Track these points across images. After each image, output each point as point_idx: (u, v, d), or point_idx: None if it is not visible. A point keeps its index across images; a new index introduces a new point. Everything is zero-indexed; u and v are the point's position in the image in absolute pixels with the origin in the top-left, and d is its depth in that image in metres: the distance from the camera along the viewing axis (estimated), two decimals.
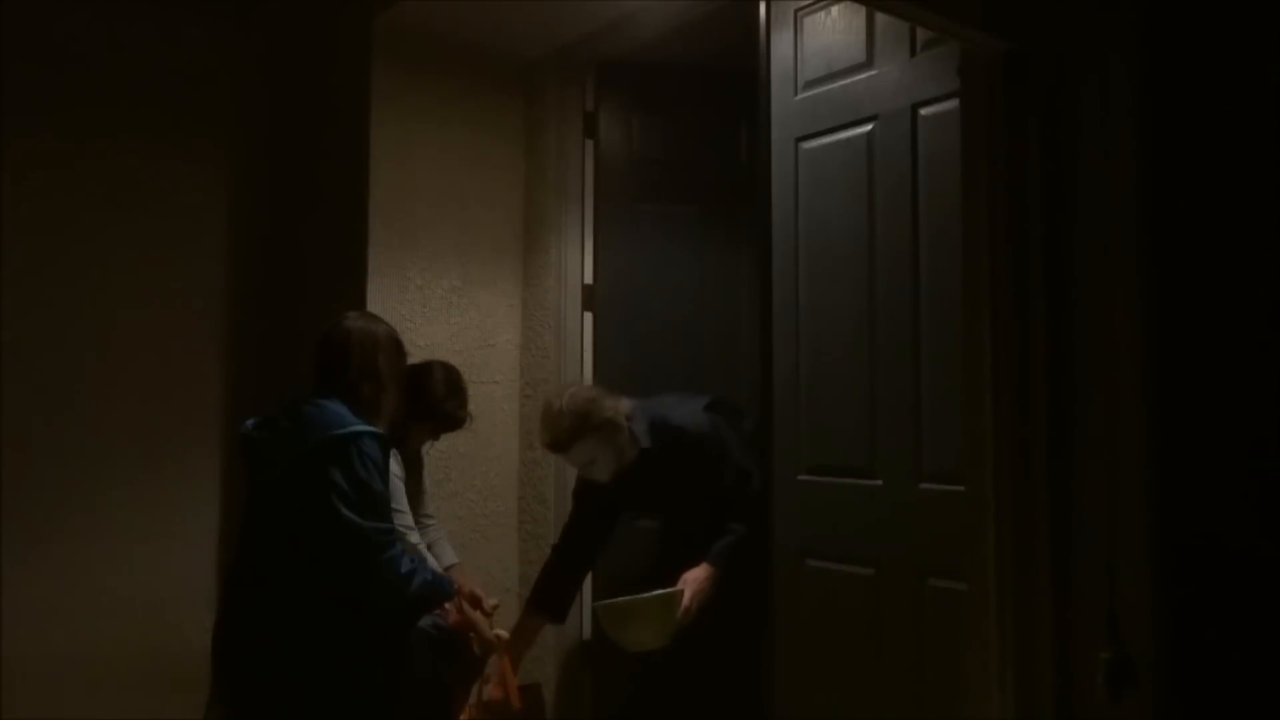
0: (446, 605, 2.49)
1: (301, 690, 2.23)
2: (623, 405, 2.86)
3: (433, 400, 2.81)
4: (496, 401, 3.51)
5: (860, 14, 2.75)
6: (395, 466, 2.63)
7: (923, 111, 2.62)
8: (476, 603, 2.65)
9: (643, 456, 2.86)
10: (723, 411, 2.97)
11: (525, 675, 3.44)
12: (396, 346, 2.47)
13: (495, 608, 2.69)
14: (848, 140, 2.80)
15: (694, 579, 2.77)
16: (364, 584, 2.23)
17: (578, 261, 3.49)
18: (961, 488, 2.34)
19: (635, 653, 2.76)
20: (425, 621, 2.48)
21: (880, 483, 2.69)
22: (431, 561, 2.73)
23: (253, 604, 2.30)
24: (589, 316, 3.49)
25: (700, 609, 2.75)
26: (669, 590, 2.73)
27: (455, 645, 2.56)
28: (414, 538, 2.72)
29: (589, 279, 3.49)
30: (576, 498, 3.05)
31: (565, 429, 2.77)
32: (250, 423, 2.42)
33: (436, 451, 3.35)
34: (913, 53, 2.65)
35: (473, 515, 3.43)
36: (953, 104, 2.43)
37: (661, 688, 2.99)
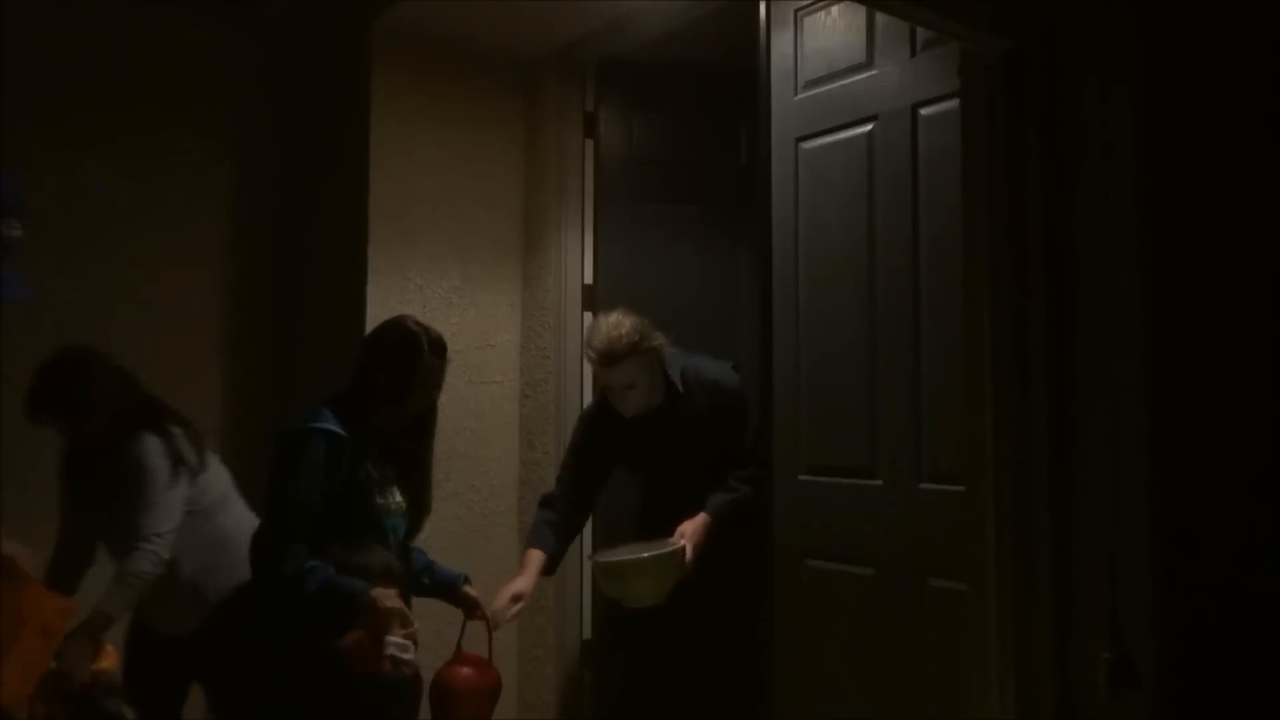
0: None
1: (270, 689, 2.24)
2: (667, 344, 2.85)
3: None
4: (497, 401, 3.51)
5: (860, 14, 2.75)
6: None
7: (923, 111, 2.62)
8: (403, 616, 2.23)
9: (673, 399, 2.83)
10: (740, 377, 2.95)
11: (525, 674, 3.45)
12: (404, 348, 2.35)
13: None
14: (848, 140, 2.80)
15: (693, 532, 2.71)
16: (257, 583, 2.25)
17: (578, 261, 3.49)
18: (961, 488, 2.34)
19: (634, 608, 2.67)
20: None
21: (880, 483, 2.69)
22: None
23: None
24: (589, 316, 3.48)
25: (697, 562, 2.68)
26: (670, 548, 2.67)
27: (332, 667, 2.19)
28: None
29: (589, 279, 3.49)
30: (586, 427, 2.95)
31: (623, 342, 2.72)
32: None
33: (437, 451, 3.34)
34: (913, 53, 2.65)
35: (473, 515, 3.43)
36: (953, 104, 2.43)
37: (661, 688, 2.98)
